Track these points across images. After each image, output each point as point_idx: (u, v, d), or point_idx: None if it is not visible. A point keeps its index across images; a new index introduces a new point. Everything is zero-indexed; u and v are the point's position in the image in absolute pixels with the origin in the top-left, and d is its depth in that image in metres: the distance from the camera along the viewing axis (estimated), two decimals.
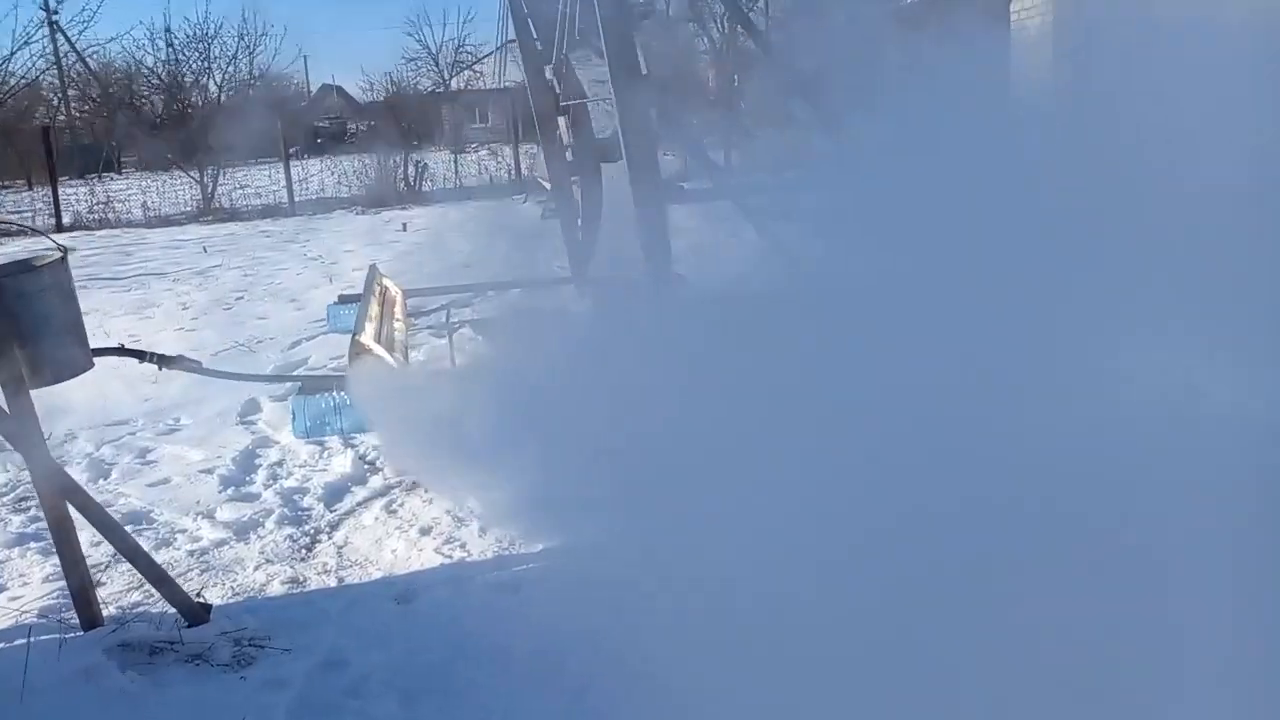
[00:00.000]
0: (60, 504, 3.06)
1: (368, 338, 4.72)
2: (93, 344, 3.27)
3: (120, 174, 27.43)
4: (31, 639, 3.14)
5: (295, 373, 6.21)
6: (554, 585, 3.35)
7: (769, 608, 3.05)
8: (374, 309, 5.69)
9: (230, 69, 21.96)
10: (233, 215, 18.58)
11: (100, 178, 24.20)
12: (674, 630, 2.97)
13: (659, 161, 5.03)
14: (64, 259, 3.08)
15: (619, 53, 4.58)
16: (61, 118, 32.00)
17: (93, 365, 3.26)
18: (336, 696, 2.76)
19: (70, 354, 3.10)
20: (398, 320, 6.04)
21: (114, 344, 4.45)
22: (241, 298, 9.64)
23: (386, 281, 7.19)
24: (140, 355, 3.71)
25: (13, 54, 20.02)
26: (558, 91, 6.76)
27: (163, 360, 3.77)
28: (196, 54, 22.07)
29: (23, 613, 3.38)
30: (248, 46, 22.09)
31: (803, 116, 4.99)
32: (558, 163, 6.91)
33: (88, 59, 31.64)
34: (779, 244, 6.41)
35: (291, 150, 23.87)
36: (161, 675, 2.91)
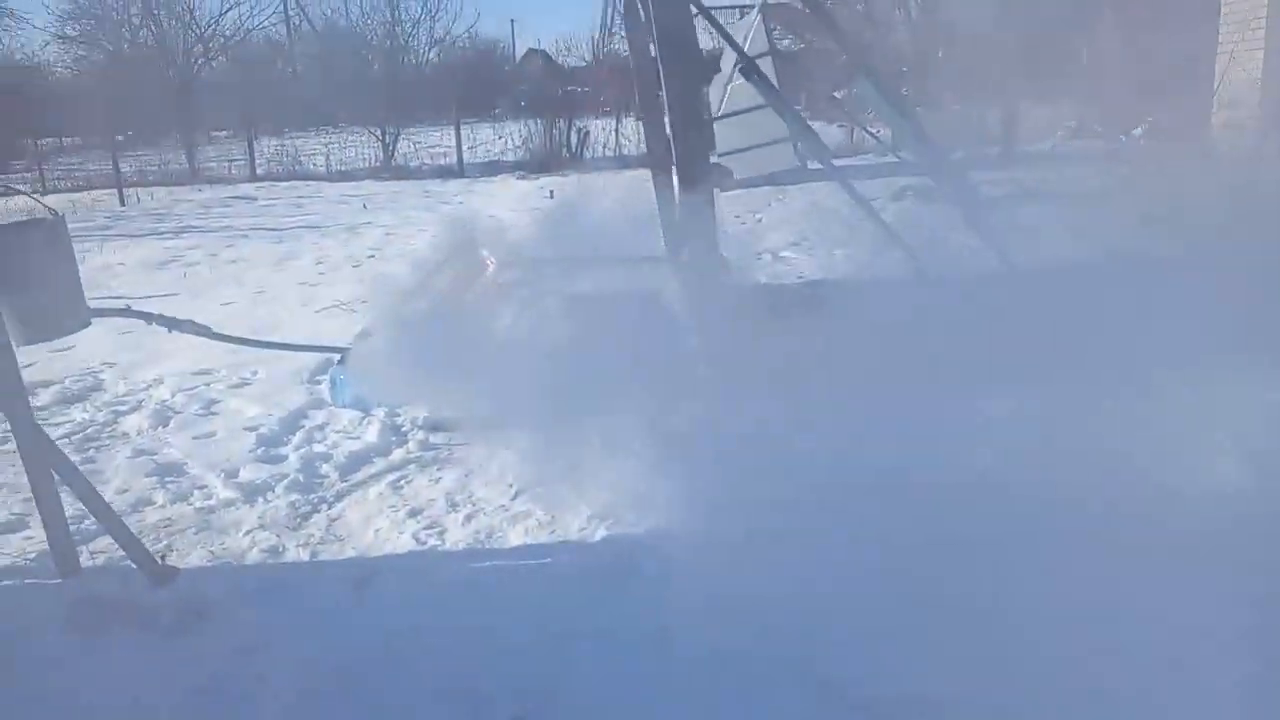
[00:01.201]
0: (40, 464, 3.17)
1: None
2: (236, 294, 3.34)
3: (336, 128, 29.14)
4: (16, 582, 3.32)
5: None
6: (510, 587, 3.21)
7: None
8: (439, 280, 5.68)
9: (413, 32, 22.74)
10: (407, 174, 19.35)
11: (317, 131, 25.90)
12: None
13: (707, 144, 4.72)
14: (57, 221, 3.16)
15: (668, 30, 4.29)
16: (290, 71, 34.58)
17: (89, 324, 3.36)
18: (246, 683, 2.73)
19: (59, 312, 3.19)
20: (470, 293, 6.01)
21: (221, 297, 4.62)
22: (373, 256, 9.97)
23: (483, 251, 7.19)
24: (147, 317, 3.82)
25: (224, 13, 21.61)
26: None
27: (170, 324, 3.86)
28: (380, 17, 23.06)
29: (27, 555, 3.56)
30: (430, 12, 22.85)
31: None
32: (657, 140, 6.65)
33: (311, 18, 33.87)
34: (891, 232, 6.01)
35: (495, 111, 24.63)
36: (103, 634, 2.97)
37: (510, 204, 13.85)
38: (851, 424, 4.08)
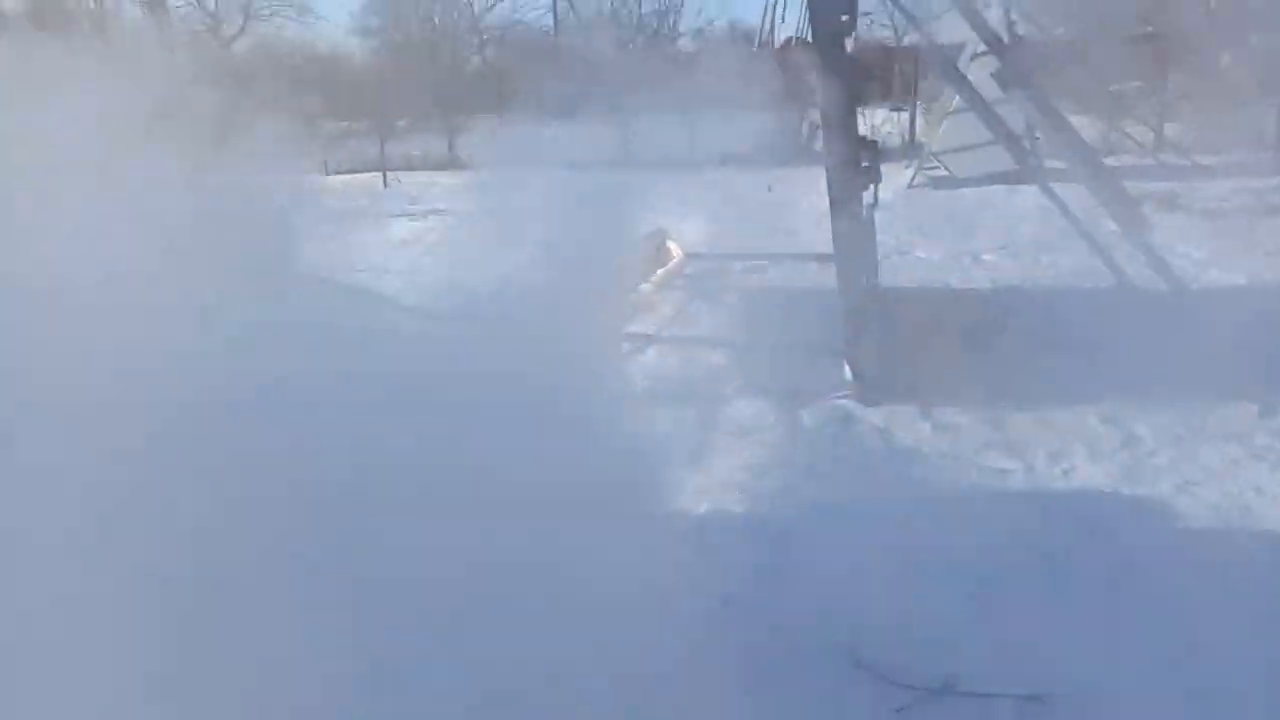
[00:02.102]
0: None
1: None
2: None
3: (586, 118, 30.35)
4: None
5: None
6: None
7: None
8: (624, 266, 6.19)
9: (662, 23, 23.67)
10: (638, 163, 20.15)
11: (572, 119, 27.44)
12: None
13: (858, 143, 4.88)
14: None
15: (824, 32, 4.49)
16: (557, 61, 36.66)
17: None
18: None
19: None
20: (647, 282, 6.49)
21: None
22: None
23: (671, 243, 7.66)
24: None
25: (492, 5, 23.68)
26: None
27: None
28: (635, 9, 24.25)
29: None
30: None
31: None
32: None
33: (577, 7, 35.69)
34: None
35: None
36: None
37: (722, 196, 14.22)
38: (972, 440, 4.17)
